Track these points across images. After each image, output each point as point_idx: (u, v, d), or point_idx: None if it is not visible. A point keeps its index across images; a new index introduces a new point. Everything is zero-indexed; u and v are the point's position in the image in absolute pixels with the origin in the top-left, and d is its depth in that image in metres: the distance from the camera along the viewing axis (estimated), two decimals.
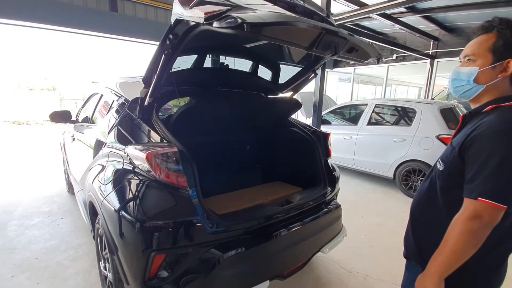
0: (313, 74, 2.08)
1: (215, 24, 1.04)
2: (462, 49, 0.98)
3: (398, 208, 3.75)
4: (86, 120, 2.81)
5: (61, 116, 3.08)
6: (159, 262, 1.27)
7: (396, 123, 4.59)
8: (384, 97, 8.61)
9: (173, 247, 1.29)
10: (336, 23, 4.48)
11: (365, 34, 6.23)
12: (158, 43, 1.34)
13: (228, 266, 1.35)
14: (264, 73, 2.25)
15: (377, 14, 4.80)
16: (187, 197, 1.33)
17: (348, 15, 4.28)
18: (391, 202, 4.00)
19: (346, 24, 5.40)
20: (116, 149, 1.66)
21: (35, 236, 2.68)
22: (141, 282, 1.29)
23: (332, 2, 4.50)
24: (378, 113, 4.86)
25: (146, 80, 1.51)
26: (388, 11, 5.40)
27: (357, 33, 5.79)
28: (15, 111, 13.38)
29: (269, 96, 2.30)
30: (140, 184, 1.37)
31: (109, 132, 1.83)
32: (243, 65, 2.14)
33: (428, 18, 6.25)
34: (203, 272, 1.31)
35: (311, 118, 4.92)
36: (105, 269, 1.71)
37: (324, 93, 5.68)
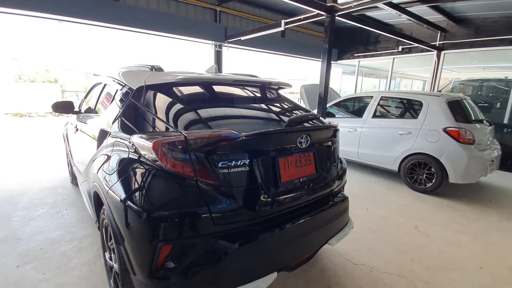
0: None
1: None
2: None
3: (403, 201, 3.73)
4: (89, 110, 2.78)
5: (63, 107, 3.05)
6: (166, 252, 1.25)
7: (401, 115, 4.53)
8: (388, 90, 8.49)
9: (180, 238, 1.26)
10: (342, 12, 4.34)
11: (372, 25, 6.10)
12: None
13: (235, 257, 1.33)
14: None
15: (384, 4, 4.68)
16: (194, 187, 1.30)
17: (355, 3, 4.16)
18: (396, 195, 3.97)
19: (353, 14, 5.28)
20: (121, 138, 1.63)
21: (39, 227, 2.68)
22: (147, 273, 1.27)
23: None
24: (384, 105, 4.79)
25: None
26: (395, 0, 5.26)
27: (363, 23, 5.67)
28: (17, 103, 13.36)
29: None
30: (146, 174, 1.34)
31: (113, 122, 1.80)
32: None
33: (436, 8, 6.10)
34: (211, 263, 1.29)
35: (315, 110, 4.87)
36: (111, 260, 1.69)
37: None
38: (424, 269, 2.25)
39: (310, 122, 1.88)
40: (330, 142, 1.91)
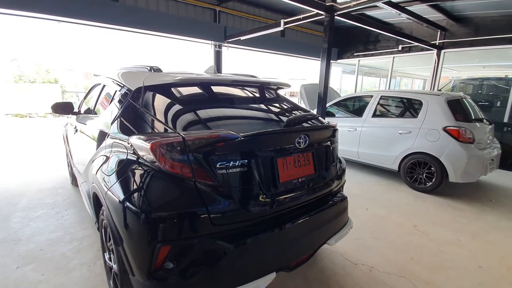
0: None
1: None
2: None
3: (403, 201, 3.73)
4: (89, 111, 2.78)
5: (63, 108, 3.05)
6: (164, 253, 1.26)
7: (401, 115, 4.53)
8: (388, 89, 8.48)
9: (178, 239, 1.27)
10: (341, 11, 4.32)
11: (371, 24, 6.09)
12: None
13: (234, 257, 1.33)
14: None
15: (383, 3, 4.66)
16: (192, 187, 1.30)
17: (354, 3, 4.16)
18: (396, 194, 3.97)
19: (352, 13, 5.27)
20: (119, 139, 1.63)
21: (39, 227, 2.68)
22: (146, 274, 1.27)
23: None
24: (384, 105, 4.79)
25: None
26: None
27: (363, 22, 5.66)
28: (17, 104, 13.36)
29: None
30: (145, 175, 1.34)
31: (112, 123, 1.80)
32: None
33: (436, 7, 6.08)
34: (209, 263, 1.29)
35: (315, 110, 4.86)
36: (110, 260, 1.70)
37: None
38: (423, 268, 2.25)
39: (308, 122, 1.88)
40: (329, 142, 1.91)
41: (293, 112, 2.04)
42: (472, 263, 2.37)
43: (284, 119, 1.78)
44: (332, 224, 1.82)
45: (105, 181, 1.54)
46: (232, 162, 1.36)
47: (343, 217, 1.95)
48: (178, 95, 1.72)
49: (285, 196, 1.55)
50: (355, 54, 9.08)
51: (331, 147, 1.93)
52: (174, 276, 1.27)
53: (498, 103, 6.54)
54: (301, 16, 5.18)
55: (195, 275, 1.27)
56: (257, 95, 2.08)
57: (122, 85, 1.96)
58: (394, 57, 8.22)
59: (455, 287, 2.05)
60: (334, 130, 1.97)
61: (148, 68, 2.01)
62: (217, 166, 1.33)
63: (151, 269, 1.26)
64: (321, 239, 1.77)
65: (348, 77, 10.49)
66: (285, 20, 5.52)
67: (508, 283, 2.13)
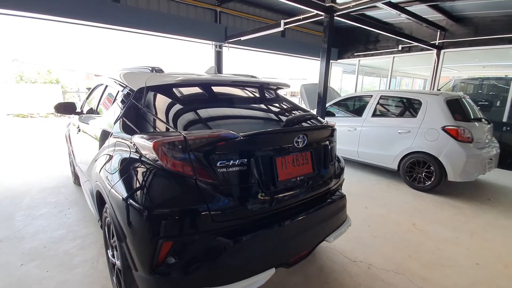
0: None
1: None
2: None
3: (402, 200, 3.75)
4: (91, 111, 2.82)
5: (66, 108, 3.09)
6: (166, 249, 1.29)
7: (401, 114, 4.55)
8: (388, 89, 8.50)
9: (180, 235, 1.30)
10: (341, 12, 4.34)
11: (371, 25, 6.11)
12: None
13: (234, 253, 1.36)
14: None
15: (383, 3, 4.69)
16: (194, 185, 1.33)
17: (354, 3, 4.18)
18: (395, 193, 4.00)
19: (352, 14, 5.29)
20: (122, 138, 1.66)
21: (42, 226, 2.72)
22: (149, 269, 1.31)
23: None
24: (383, 104, 4.81)
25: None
26: (394, 0, 5.28)
27: (363, 23, 5.69)
28: (18, 104, 13.42)
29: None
30: (147, 173, 1.38)
31: (115, 122, 1.84)
32: None
33: (436, 8, 6.10)
34: (210, 259, 1.33)
35: (315, 109, 4.90)
36: (113, 257, 1.73)
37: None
38: (421, 265, 2.28)
39: (307, 122, 1.91)
40: (327, 142, 1.94)
41: (292, 112, 2.07)
42: (470, 260, 2.40)
43: (283, 119, 1.81)
44: (330, 222, 1.86)
45: (108, 179, 1.58)
46: (232, 161, 1.39)
47: (341, 215, 1.99)
48: (179, 95, 1.75)
49: (284, 194, 1.58)
50: (355, 54, 9.10)
51: (330, 147, 1.97)
52: (176, 271, 1.30)
53: (498, 103, 6.56)
54: (301, 17, 5.21)
55: (196, 270, 1.31)
56: (257, 95, 2.12)
57: (125, 86, 1.99)
58: (394, 57, 8.24)
59: (452, 284, 2.09)
60: (332, 129, 2.00)
61: (150, 68, 2.04)
62: (218, 164, 1.36)
63: (154, 264, 1.30)
64: (320, 236, 1.80)
65: (348, 77, 10.50)
66: (285, 21, 5.55)
67: (505, 279, 2.16)
